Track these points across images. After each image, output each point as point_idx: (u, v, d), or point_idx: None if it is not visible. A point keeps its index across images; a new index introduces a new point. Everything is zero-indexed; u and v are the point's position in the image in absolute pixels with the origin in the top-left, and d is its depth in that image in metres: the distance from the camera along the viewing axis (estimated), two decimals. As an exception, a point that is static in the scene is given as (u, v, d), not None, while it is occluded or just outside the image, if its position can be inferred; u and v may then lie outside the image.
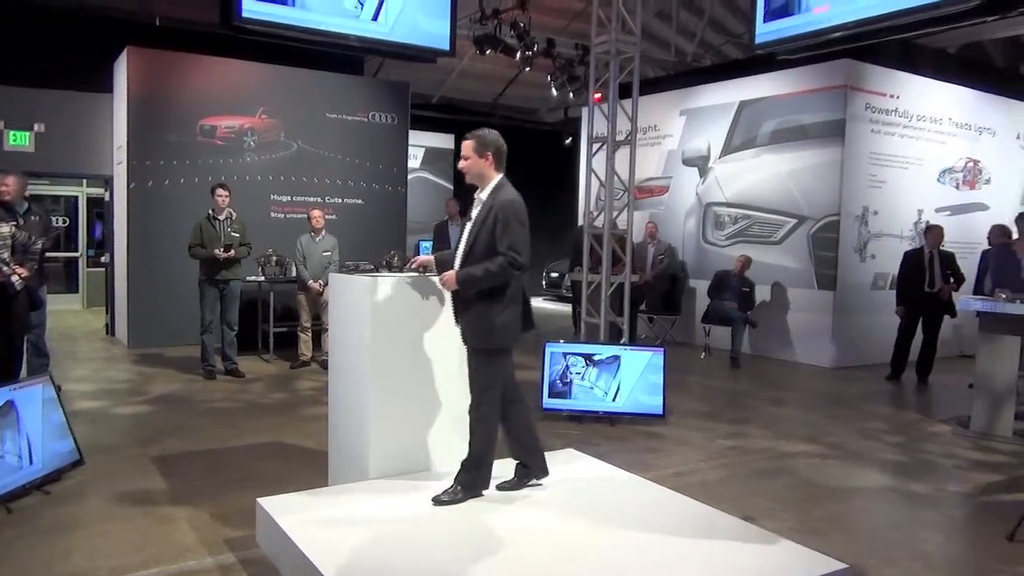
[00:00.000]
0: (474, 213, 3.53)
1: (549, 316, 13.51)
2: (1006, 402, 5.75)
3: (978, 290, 7.69)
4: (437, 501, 3.51)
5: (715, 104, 10.17)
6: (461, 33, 8.97)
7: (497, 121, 15.35)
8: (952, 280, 7.96)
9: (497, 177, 3.53)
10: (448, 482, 3.59)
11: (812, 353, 8.97)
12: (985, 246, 8.43)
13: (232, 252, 7.02)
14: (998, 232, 7.82)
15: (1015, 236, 7.14)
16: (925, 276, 7.88)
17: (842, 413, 6.56)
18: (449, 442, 3.78)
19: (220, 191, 7.16)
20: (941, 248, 8.00)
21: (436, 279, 3.66)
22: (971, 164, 10.09)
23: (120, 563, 3.26)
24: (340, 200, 9.79)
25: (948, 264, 7.99)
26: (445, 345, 3.88)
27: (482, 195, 3.52)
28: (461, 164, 3.56)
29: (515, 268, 3.39)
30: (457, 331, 3.60)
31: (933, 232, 8.05)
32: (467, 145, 3.52)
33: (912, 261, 8.05)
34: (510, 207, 3.44)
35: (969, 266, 8.70)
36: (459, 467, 3.60)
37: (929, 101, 9.54)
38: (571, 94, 12.08)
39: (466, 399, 3.62)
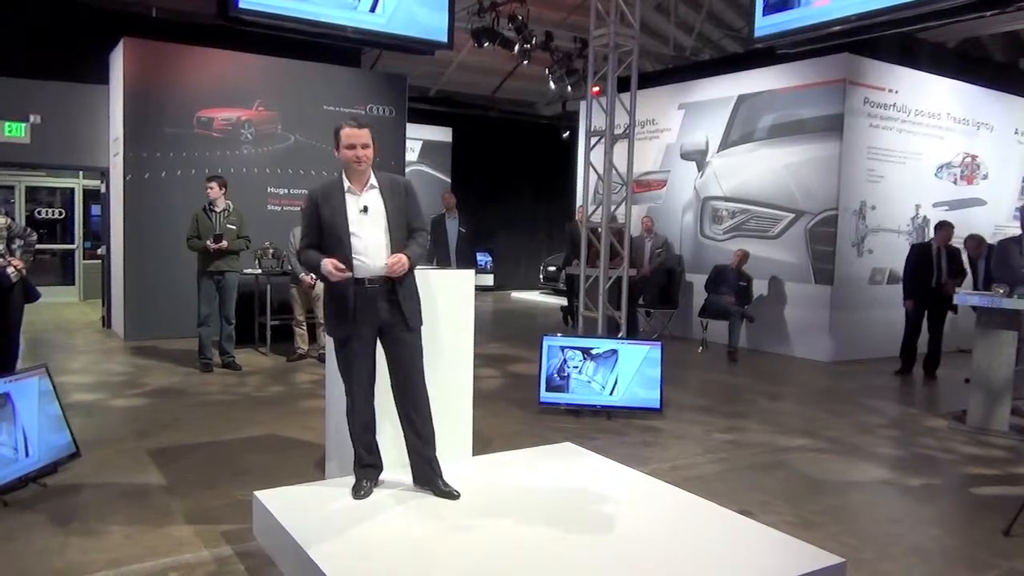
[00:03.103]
0: (374, 200, 3.44)
1: (547, 310, 13.52)
2: (1002, 397, 5.75)
3: (974, 285, 7.73)
4: (447, 491, 3.56)
5: (713, 98, 10.15)
6: (459, 26, 8.94)
7: (495, 114, 15.34)
8: (955, 275, 7.97)
9: None
10: (446, 472, 3.63)
11: (809, 348, 8.98)
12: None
13: (224, 243, 6.97)
14: (974, 244, 7.89)
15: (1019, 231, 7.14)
16: (933, 271, 7.89)
17: (839, 407, 6.57)
18: (444, 434, 3.78)
19: (208, 184, 7.09)
20: (948, 244, 8.01)
21: (372, 269, 3.38)
22: (969, 159, 10.09)
23: (116, 556, 3.25)
24: (337, 193, 9.75)
25: (954, 260, 8.00)
26: (439, 338, 3.87)
27: (372, 181, 3.47)
28: (367, 153, 3.41)
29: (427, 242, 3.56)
30: (448, 323, 3.58)
31: (945, 229, 8.01)
32: (368, 134, 3.43)
33: (920, 255, 8.04)
34: (412, 184, 3.62)
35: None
36: (434, 452, 3.60)
37: (927, 96, 9.54)
38: (569, 87, 12.06)
39: (458, 390, 3.64)
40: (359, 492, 3.49)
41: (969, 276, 8.34)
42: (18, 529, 3.52)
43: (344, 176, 3.47)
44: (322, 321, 6.70)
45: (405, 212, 3.50)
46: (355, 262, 3.38)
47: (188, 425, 5.38)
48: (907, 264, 8.17)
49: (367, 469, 3.58)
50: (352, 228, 3.39)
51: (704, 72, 10.62)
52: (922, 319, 8.03)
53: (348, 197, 3.43)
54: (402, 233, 3.47)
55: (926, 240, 8.44)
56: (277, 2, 6.78)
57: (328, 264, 3.30)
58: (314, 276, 7.45)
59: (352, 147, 3.39)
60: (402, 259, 3.36)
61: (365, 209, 3.42)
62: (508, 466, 4.08)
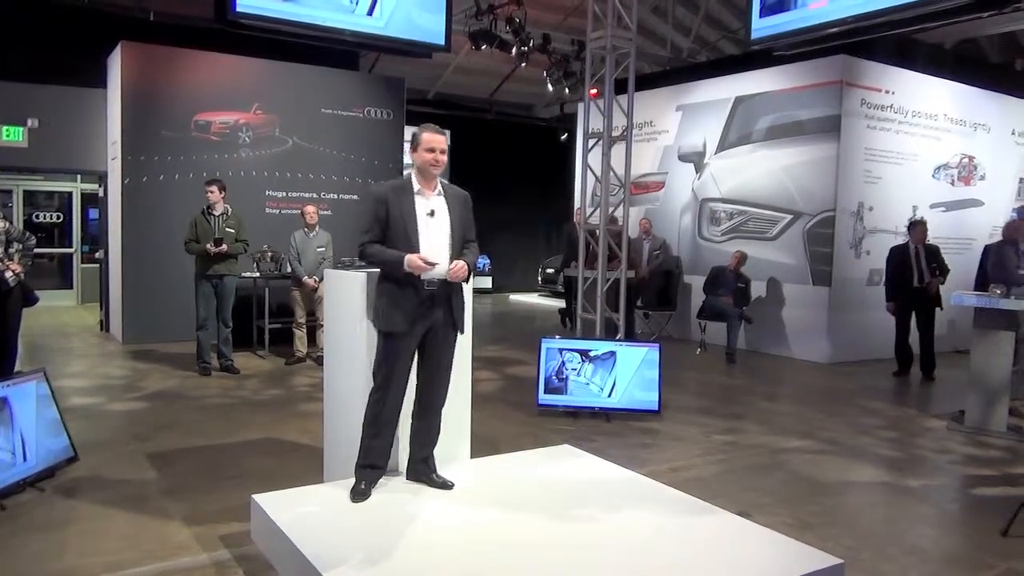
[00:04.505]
0: (440, 205, 3.52)
1: (545, 312, 13.52)
2: (1000, 397, 5.76)
3: (979, 286, 7.68)
4: (441, 482, 3.67)
5: (711, 100, 10.16)
6: (456, 28, 8.95)
7: (492, 117, 15.35)
8: (939, 273, 7.97)
9: None
10: (448, 473, 3.71)
11: (807, 349, 8.99)
12: (981, 241, 8.42)
13: (224, 247, 6.98)
14: (1014, 227, 7.76)
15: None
16: (913, 272, 7.90)
17: (837, 409, 6.58)
18: (442, 436, 3.78)
19: (208, 187, 7.11)
20: (926, 242, 8.01)
21: (433, 272, 3.42)
22: (966, 160, 10.10)
23: (114, 560, 3.25)
24: (336, 196, 9.78)
25: (933, 257, 8.00)
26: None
27: (439, 188, 3.55)
28: (444, 158, 3.52)
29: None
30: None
31: (919, 228, 8.04)
32: (445, 140, 3.53)
33: (898, 257, 8.05)
34: (469, 197, 3.68)
35: (967, 263, 8.70)
36: (432, 451, 3.71)
37: (924, 97, 9.55)
38: (567, 90, 12.06)
39: (456, 392, 3.67)
40: (358, 495, 3.47)
41: (967, 266, 8.21)
42: (16, 533, 3.52)
43: (414, 178, 3.52)
44: (322, 323, 6.70)
45: (464, 222, 3.59)
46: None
47: (186, 428, 5.37)
48: (887, 267, 8.18)
49: (369, 470, 3.55)
50: (420, 230, 3.45)
51: (701, 74, 10.64)
52: (908, 320, 8.02)
53: (417, 199, 3.48)
54: (460, 241, 3.55)
55: (903, 243, 8.36)
56: (275, 6, 6.78)
57: (416, 259, 3.33)
58: (316, 279, 7.51)
59: (432, 151, 3.46)
60: (464, 266, 3.46)
61: (432, 213, 3.49)
62: (507, 468, 4.08)
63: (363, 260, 3.58)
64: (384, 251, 3.44)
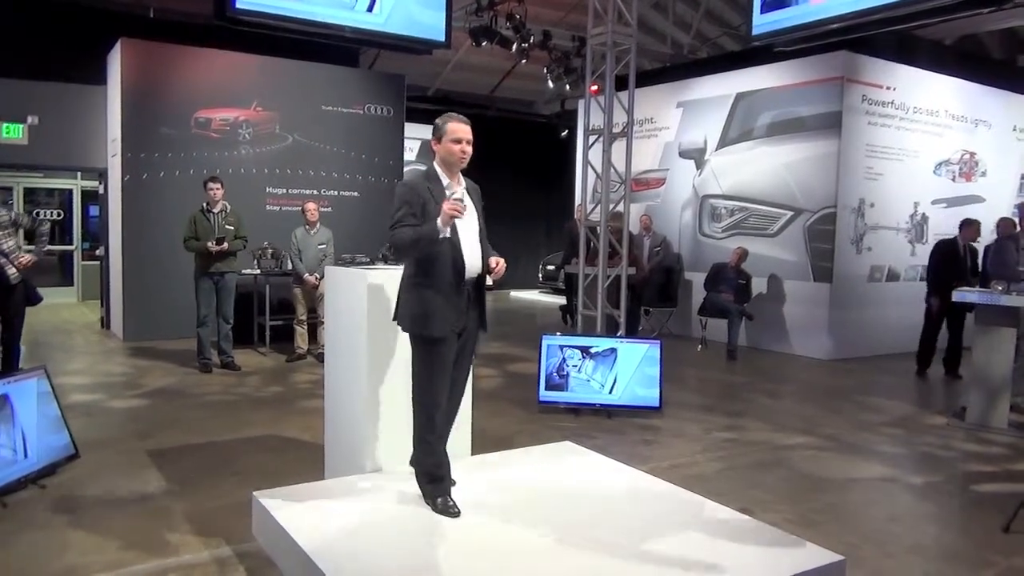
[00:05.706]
0: (471, 200, 3.33)
1: (546, 309, 13.51)
2: (1002, 393, 5.76)
3: (982, 283, 7.66)
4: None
5: (712, 96, 10.15)
6: (457, 25, 8.93)
7: (493, 113, 15.33)
8: (975, 274, 7.89)
9: None
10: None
11: (808, 345, 8.98)
12: (982, 238, 8.40)
13: (225, 245, 6.98)
14: (1007, 225, 7.76)
15: (1018, 227, 7.14)
16: (964, 270, 7.70)
17: (838, 405, 6.57)
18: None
19: (211, 184, 7.12)
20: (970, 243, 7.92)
21: (471, 270, 3.26)
22: (967, 156, 10.09)
23: (115, 557, 3.25)
24: (336, 193, 9.77)
25: (974, 258, 7.92)
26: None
27: (463, 182, 3.36)
28: (470, 149, 3.28)
29: None
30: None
31: (972, 227, 7.85)
32: (470, 130, 3.31)
33: (947, 253, 7.81)
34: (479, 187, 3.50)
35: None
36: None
37: (925, 93, 9.53)
38: (567, 86, 12.05)
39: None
40: (448, 511, 3.27)
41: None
42: (17, 531, 3.52)
43: (440, 171, 3.28)
44: (323, 320, 6.70)
45: (482, 215, 3.40)
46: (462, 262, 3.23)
47: (187, 425, 5.37)
48: (932, 262, 7.93)
49: (443, 483, 3.34)
50: (459, 225, 3.20)
51: (702, 70, 10.62)
52: (943, 318, 7.80)
53: (448, 194, 3.21)
54: (483, 236, 3.36)
55: (952, 237, 8.20)
56: (274, 2, 6.77)
57: (447, 209, 3.03)
58: (318, 276, 7.50)
59: (459, 141, 3.23)
60: (502, 265, 3.29)
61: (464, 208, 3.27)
62: (508, 465, 4.08)
63: (394, 244, 3.21)
64: (416, 229, 3.12)
